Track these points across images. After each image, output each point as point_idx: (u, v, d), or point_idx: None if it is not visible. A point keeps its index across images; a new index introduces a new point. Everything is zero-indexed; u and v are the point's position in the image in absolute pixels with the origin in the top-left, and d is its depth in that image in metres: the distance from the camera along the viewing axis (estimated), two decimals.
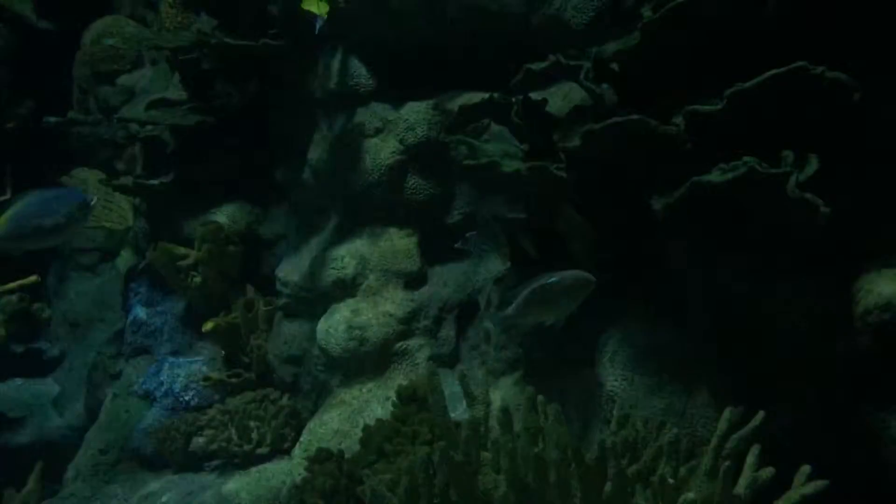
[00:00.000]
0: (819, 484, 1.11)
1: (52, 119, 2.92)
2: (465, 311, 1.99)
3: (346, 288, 2.04)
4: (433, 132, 2.03)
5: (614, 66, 1.42)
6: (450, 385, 1.89)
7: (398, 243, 2.05)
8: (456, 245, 1.78)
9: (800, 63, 1.15)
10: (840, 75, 1.15)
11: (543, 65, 1.51)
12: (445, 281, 2.02)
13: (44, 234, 1.44)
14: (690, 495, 1.05)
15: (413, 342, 1.97)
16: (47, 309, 3.25)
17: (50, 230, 1.43)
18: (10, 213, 1.41)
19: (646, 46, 1.32)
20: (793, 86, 1.17)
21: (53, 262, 3.37)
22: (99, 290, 3.23)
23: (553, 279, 1.35)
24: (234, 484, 1.89)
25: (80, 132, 2.88)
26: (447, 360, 1.97)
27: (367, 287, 2.02)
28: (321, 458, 1.59)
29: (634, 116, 1.29)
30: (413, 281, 2.04)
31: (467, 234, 1.76)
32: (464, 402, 1.72)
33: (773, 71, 1.16)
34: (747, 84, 1.19)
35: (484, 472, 1.23)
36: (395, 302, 1.99)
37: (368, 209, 2.11)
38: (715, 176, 1.20)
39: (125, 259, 2.91)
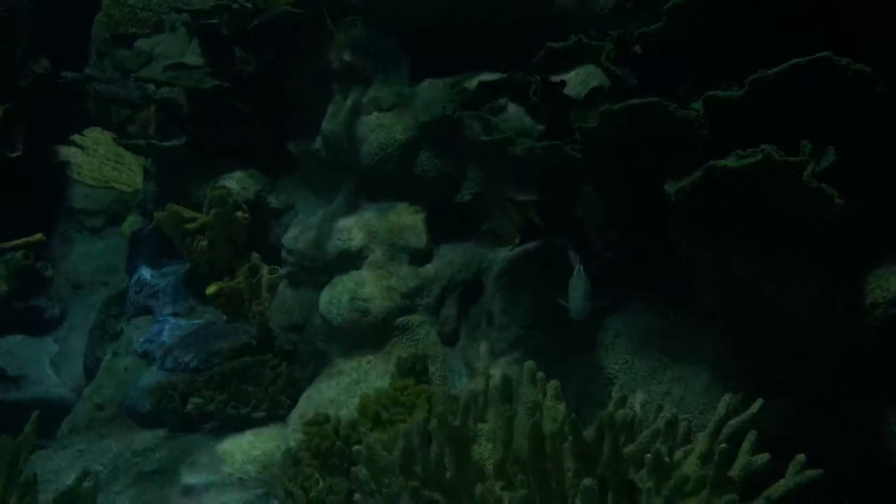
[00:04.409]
0: (813, 473, 1.11)
1: (70, 74, 2.93)
2: (469, 291, 1.99)
3: (352, 260, 2.04)
4: (448, 111, 2.02)
5: (637, 48, 1.42)
6: (449, 363, 1.90)
7: (406, 219, 2.06)
8: None
9: (825, 53, 1.15)
10: (864, 67, 1.14)
11: (565, 44, 1.51)
12: (451, 260, 2.03)
13: None
14: (685, 471, 1.06)
15: (415, 318, 1.97)
16: (50, 268, 3.26)
17: None
18: None
19: (670, 30, 1.32)
20: (816, 76, 1.17)
21: (59, 223, 3.38)
22: (103, 254, 3.24)
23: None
24: (229, 445, 1.91)
25: (97, 89, 2.89)
26: (448, 339, 1.97)
27: (372, 260, 2.02)
28: (318, 421, 1.60)
29: (653, 99, 1.29)
30: (419, 257, 2.04)
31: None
32: (462, 380, 1.74)
33: (798, 59, 1.16)
34: (770, 71, 1.18)
35: (480, 443, 1.23)
36: (399, 277, 1.99)
37: (379, 183, 2.11)
38: (731, 161, 1.19)
39: (131, 223, 2.92)
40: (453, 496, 1.11)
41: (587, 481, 0.97)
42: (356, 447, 1.16)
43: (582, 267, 1.44)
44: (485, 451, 1.23)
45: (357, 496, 1.10)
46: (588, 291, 1.43)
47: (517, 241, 1.65)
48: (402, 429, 1.13)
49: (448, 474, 1.15)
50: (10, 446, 1.88)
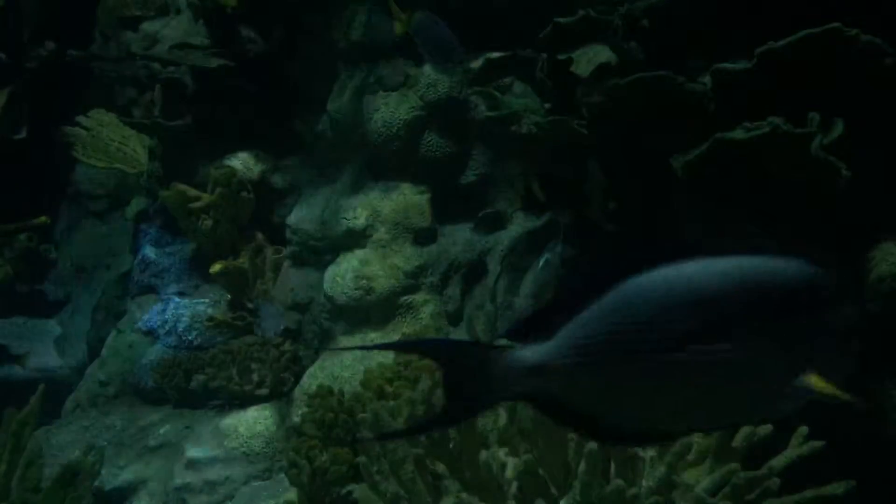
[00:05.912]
0: (815, 445, 1.12)
1: (75, 53, 2.93)
2: (473, 271, 2.00)
3: (357, 238, 2.05)
4: (454, 90, 2.03)
5: (645, 22, 1.41)
6: None
7: (411, 199, 2.06)
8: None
9: (834, 24, 1.15)
10: (874, 39, 1.14)
11: (573, 19, 1.50)
12: (455, 240, 2.03)
13: None
14: (688, 440, 1.06)
15: (418, 297, 1.98)
16: (54, 251, 3.27)
17: None
18: None
19: (677, 2, 1.31)
20: (825, 48, 1.16)
21: (63, 206, 3.38)
22: (107, 237, 3.24)
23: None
24: (232, 420, 1.92)
25: (103, 68, 2.89)
26: (451, 318, 1.98)
27: (377, 239, 2.03)
28: (322, 393, 1.60)
29: (661, 72, 1.29)
30: (423, 237, 2.05)
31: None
32: None
33: (807, 31, 1.16)
34: (779, 43, 1.18)
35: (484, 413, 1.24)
36: (403, 256, 2.00)
37: (384, 163, 2.11)
38: (739, 134, 1.19)
39: (136, 206, 2.92)
40: (457, 462, 1.12)
41: (591, 445, 0.98)
42: (362, 414, 1.17)
43: (548, 259, 1.38)
44: (488, 420, 1.24)
45: (362, 458, 1.11)
46: (542, 288, 1.37)
47: (519, 206, 1.65)
48: (408, 396, 1.13)
49: (451, 443, 1.15)
50: (16, 418, 1.88)
